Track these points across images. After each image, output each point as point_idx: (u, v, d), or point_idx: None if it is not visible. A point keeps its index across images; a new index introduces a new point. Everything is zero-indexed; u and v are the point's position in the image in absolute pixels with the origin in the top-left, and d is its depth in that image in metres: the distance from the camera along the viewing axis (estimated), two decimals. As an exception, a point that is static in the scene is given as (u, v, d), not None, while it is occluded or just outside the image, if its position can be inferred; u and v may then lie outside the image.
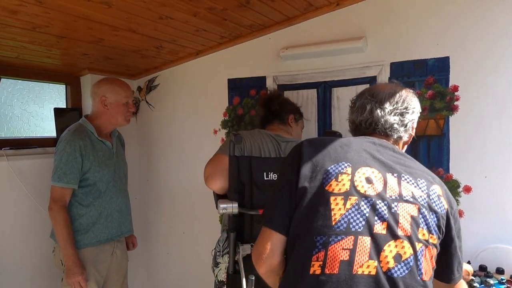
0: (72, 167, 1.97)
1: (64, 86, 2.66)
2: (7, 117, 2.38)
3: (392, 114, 1.18)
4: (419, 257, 0.94)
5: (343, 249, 0.91)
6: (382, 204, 0.97)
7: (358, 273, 0.89)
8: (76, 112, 2.62)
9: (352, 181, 0.99)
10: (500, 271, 1.74)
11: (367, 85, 2.11)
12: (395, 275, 0.90)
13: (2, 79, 2.27)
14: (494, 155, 1.84)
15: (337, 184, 0.99)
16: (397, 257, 0.91)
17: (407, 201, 0.98)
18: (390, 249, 0.92)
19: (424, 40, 1.97)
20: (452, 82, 1.92)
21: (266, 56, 2.41)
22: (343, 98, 2.19)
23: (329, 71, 2.22)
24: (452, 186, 1.92)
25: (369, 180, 1.00)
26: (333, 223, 0.94)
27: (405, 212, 0.97)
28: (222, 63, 2.58)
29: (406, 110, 1.19)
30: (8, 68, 2.29)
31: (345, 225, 0.94)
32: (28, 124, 2.49)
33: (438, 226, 1.01)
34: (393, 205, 0.97)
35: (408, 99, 1.21)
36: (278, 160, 1.67)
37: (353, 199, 0.97)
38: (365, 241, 0.92)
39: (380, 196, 0.98)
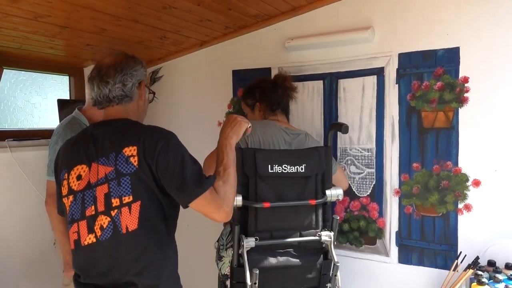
0: None
1: (67, 77, 2.64)
2: (10, 108, 2.37)
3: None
4: (116, 219, 1.28)
5: (73, 232, 1.33)
6: (89, 192, 1.31)
7: (85, 244, 1.31)
8: (79, 104, 2.60)
9: (68, 183, 1.35)
10: (509, 266, 1.70)
11: (374, 77, 2.08)
12: (102, 239, 1.29)
13: (5, 70, 2.25)
14: (504, 148, 1.80)
15: (63, 189, 1.36)
16: (101, 227, 1.29)
17: (101, 184, 1.30)
18: (98, 224, 1.30)
19: (433, 30, 1.93)
20: (462, 73, 1.87)
21: (271, 47, 2.37)
22: (349, 90, 2.15)
23: (335, 62, 2.18)
24: (461, 180, 1.88)
25: (79, 177, 1.33)
26: (68, 217, 1.36)
27: (101, 193, 1.30)
28: (227, 54, 2.55)
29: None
30: (10, 59, 2.27)
31: (71, 217, 1.34)
32: (31, 116, 2.48)
33: (134, 183, 1.28)
34: (93, 191, 1.31)
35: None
36: (283, 152, 1.64)
37: (71, 197, 1.34)
38: (83, 224, 1.32)
39: (88, 186, 1.31)
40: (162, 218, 1.34)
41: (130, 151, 1.29)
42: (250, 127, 1.49)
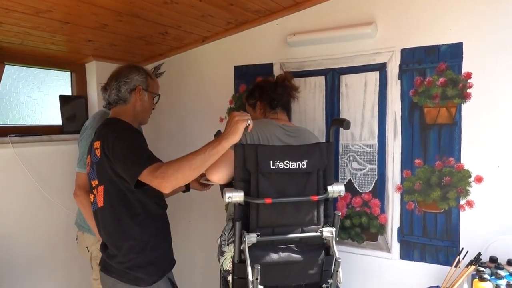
0: None
1: (69, 73, 2.64)
2: (12, 104, 2.37)
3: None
4: (95, 196, 1.65)
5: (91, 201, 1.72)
6: (88, 175, 1.71)
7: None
8: (81, 100, 2.61)
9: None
10: (511, 262, 1.70)
11: (377, 72, 2.07)
12: (93, 210, 1.71)
13: (6, 65, 2.25)
14: (507, 144, 1.79)
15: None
16: (91, 202, 1.71)
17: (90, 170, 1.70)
18: (91, 198, 1.70)
19: (436, 25, 1.91)
20: (465, 69, 1.86)
21: (273, 43, 2.37)
22: (351, 86, 2.15)
23: (337, 58, 2.17)
24: (463, 176, 1.88)
25: (87, 164, 1.73)
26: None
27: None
28: (228, 50, 2.54)
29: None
30: (12, 55, 2.27)
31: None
32: (33, 112, 2.47)
33: (98, 171, 1.62)
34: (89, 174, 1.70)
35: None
36: (285, 148, 1.64)
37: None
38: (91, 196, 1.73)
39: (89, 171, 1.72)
40: (123, 201, 1.59)
41: (96, 145, 1.62)
42: (249, 124, 1.49)
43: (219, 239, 1.76)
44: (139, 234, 1.64)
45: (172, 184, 1.43)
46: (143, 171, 1.46)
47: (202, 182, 2.12)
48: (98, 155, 1.60)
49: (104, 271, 1.71)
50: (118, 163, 1.54)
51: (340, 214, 1.65)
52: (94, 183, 1.66)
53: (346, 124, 1.59)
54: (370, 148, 2.12)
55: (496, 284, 1.59)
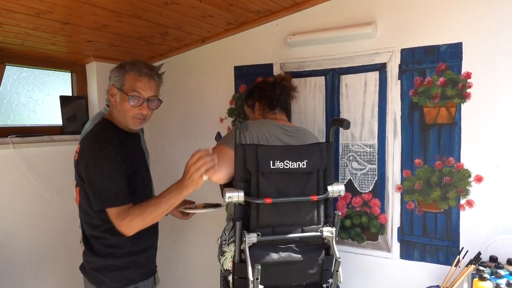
0: None
1: (69, 73, 2.64)
2: (13, 104, 2.38)
3: None
4: (76, 194, 1.69)
5: None
6: None
7: None
8: (82, 100, 2.61)
9: None
10: (511, 262, 1.70)
11: (377, 72, 2.07)
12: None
13: (7, 66, 2.25)
14: (507, 144, 1.80)
15: None
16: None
17: None
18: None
19: (436, 25, 1.92)
20: (464, 69, 1.87)
21: (273, 43, 2.37)
22: (351, 86, 2.15)
23: (337, 58, 2.17)
24: (463, 176, 1.88)
25: None
26: None
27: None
28: (229, 50, 2.54)
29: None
30: (13, 55, 2.27)
31: None
32: (34, 112, 2.48)
33: (76, 172, 1.64)
34: None
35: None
36: (285, 148, 1.64)
37: None
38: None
39: None
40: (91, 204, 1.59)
41: (77, 148, 1.65)
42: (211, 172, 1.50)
43: (220, 239, 1.77)
44: (108, 239, 1.61)
45: (134, 231, 1.53)
46: (111, 208, 1.52)
47: (182, 211, 1.98)
48: (76, 158, 1.63)
49: (81, 269, 1.73)
50: (87, 184, 1.55)
51: (340, 214, 1.66)
52: (75, 182, 1.69)
53: (346, 124, 1.59)
54: (370, 148, 2.12)
55: (496, 284, 1.60)
